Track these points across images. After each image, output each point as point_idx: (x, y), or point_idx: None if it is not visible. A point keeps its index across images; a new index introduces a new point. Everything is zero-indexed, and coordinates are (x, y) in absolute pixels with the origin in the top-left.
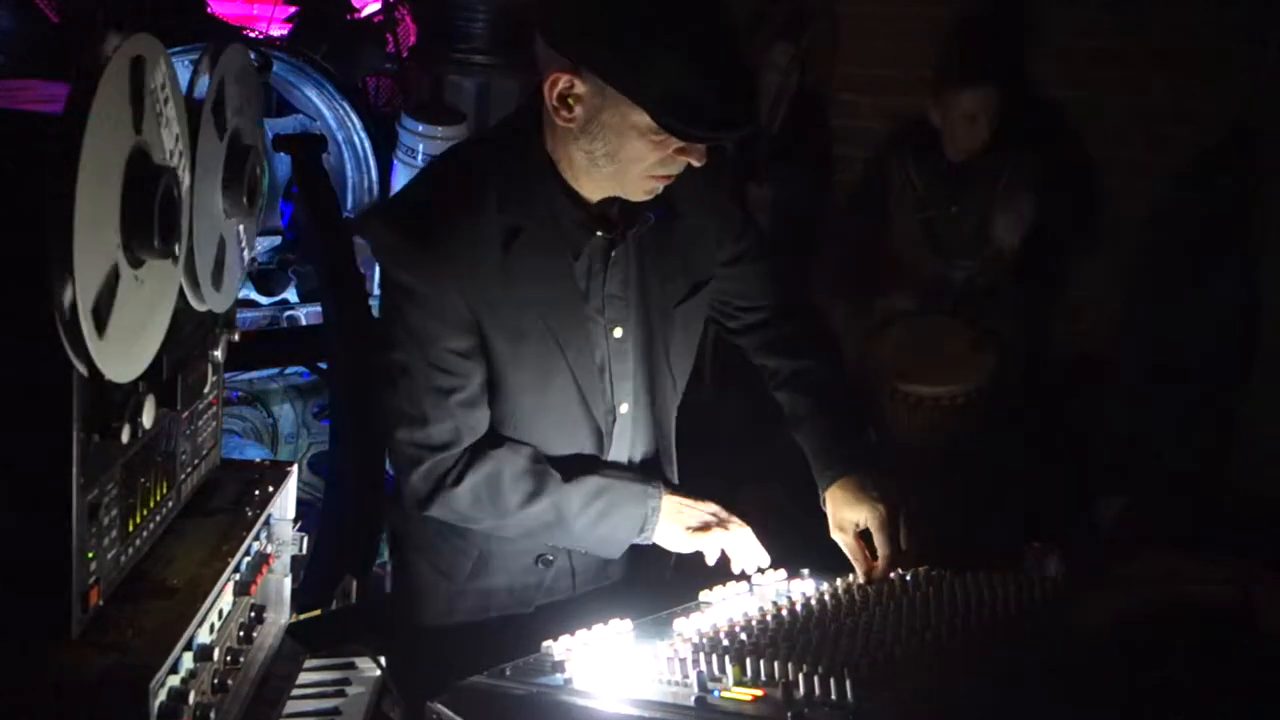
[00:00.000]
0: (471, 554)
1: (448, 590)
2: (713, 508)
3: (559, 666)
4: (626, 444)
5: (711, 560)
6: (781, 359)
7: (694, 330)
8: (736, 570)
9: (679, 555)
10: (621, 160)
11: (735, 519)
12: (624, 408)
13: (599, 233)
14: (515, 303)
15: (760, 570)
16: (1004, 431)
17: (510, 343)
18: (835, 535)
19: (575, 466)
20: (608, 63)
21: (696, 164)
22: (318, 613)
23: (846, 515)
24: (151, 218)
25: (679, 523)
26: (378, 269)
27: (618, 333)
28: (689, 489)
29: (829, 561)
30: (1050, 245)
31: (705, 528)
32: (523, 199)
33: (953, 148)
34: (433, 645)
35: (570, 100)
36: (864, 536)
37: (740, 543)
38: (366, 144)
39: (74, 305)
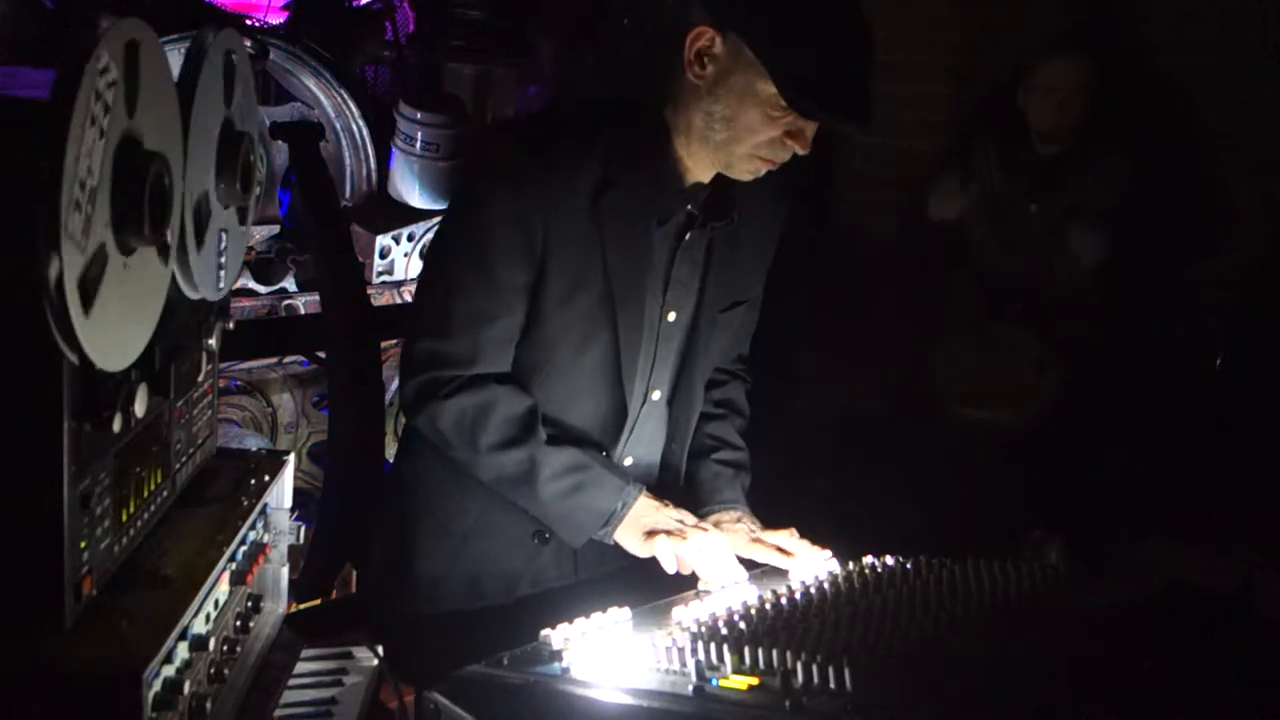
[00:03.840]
0: (473, 511)
1: (445, 548)
2: (679, 515)
3: (557, 655)
4: (648, 433)
5: (669, 568)
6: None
7: (724, 341)
8: (701, 580)
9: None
10: (736, 128)
11: (702, 530)
12: (656, 394)
13: (690, 206)
14: (587, 252)
15: (723, 586)
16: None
17: (567, 289)
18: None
19: (573, 440)
20: (751, 27)
21: (801, 152)
22: (318, 602)
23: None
24: (142, 205)
25: (641, 525)
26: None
27: (671, 316)
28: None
29: (828, 549)
30: (1139, 260)
31: (657, 534)
32: (629, 155)
33: (1038, 135)
34: (430, 633)
35: (706, 58)
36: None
37: (699, 555)
38: (365, 132)
39: (62, 293)
